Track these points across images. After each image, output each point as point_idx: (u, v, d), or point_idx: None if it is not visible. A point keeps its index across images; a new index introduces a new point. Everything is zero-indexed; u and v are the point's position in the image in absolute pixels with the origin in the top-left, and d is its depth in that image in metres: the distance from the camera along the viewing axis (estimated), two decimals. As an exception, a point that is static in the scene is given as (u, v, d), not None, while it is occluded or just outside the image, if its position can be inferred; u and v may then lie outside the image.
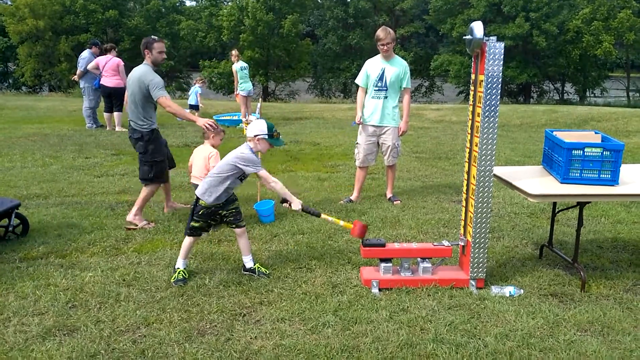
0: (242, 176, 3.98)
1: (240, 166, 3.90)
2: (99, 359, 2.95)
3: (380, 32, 5.86)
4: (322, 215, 4.06)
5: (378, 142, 6.10)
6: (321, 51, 35.21)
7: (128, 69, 11.34)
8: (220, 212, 3.98)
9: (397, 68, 5.91)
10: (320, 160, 8.70)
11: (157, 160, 5.24)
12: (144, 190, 5.27)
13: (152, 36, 5.37)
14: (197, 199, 3.96)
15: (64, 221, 5.25)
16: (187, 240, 4.01)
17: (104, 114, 11.45)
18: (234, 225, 4.03)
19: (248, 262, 4.07)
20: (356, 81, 6.18)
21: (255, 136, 3.94)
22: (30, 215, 5.22)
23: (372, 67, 5.98)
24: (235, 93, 12.77)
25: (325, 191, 6.60)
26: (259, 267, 4.06)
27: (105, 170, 7.53)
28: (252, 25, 28.89)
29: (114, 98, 11.18)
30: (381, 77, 5.90)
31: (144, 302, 3.59)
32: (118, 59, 11.16)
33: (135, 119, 5.15)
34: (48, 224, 5.17)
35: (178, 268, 3.97)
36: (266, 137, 3.95)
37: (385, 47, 5.82)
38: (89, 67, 11.12)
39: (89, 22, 29.98)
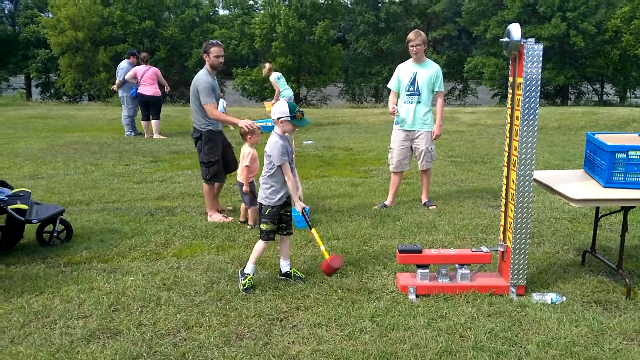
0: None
1: (270, 157, 3.91)
2: (141, 361, 3.02)
3: (411, 34, 5.86)
4: (313, 230, 4.16)
5: (412, 147, 6.06)
6: (352, 56, 35.16)
7: (162, 77, 11.69)
8: (281, 211, 4.00)
9: (428, 71, 5.86)
10: (353, 165, 8.69)
11: (212, 160, 5.56)
12: (204, 192, 5.66)
13: (211, 40, 5.62)
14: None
15: (105, 227, 5.40)
16: (260, 244, 4.02)
17: (142, 122, 11.74)
18: (285, 232, 4.08)
19: (285, 266, 4.10)
20: (388, 85, 6.17)
21: (278, 119, 3.93)
22: (74, 221, 5.39)
23: (404, 71, 5.96)
24: (271, 102, 12.77)
25: (359, 196, 6.59)
26: (295, 271, 4.09)
27: (144, 177, 7.71)
28: (284, 32, 29.11)
29: (151, 106, 11.47)
30: (413, 82, 5.87)
31: (184, 306, 3.65)
32: (155, 68, 11.47)
33: (195, 119, 5.55)
34: (90, 229, 5.33)
35: (248, 274, 3.95)
36: (289, 118, 3.92)
37: (415, 49, 5.80)
38: (127, 77, 11.44)
39: (126, 33, 30.78)
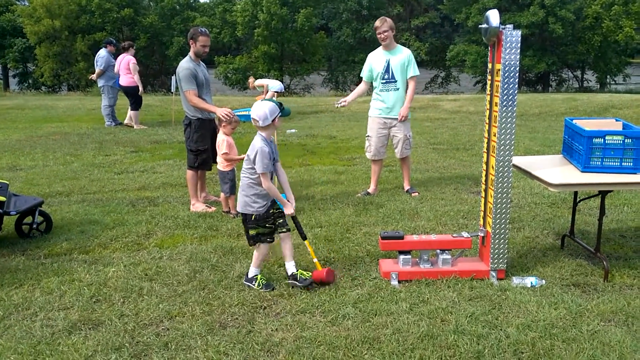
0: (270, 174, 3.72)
1: (255, 161, 3.64)
2: (124, 351, 3.01)
3: (377, 22, 5.85)
4: (306, 241, 3.91)
5: (389, 135, 6.06)
6: (335, 44, 35.05)
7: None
8: (271, 210, 3.76)
9: (401, 57, 5.86)
10: (336, 153, 8.69)
11: (200, 149, 5.53)
12: (188, 180, 5.63)
13: (200, 28, 5.53)
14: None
15: (86, 218, 5.34)
16: (259, 249, 3.78)
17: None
18: (284, 230, 3.79)
19: (291, 267, 3.82)
20: (361, 75, 6.16)
21: (273, 120, 3.70)
22: (54, 213, 5.32)
23: (376, 60, 5.94)
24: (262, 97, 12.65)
25: (342, 184, 6.60)
26: (301, 273, 3.78)
27: (125, 167, 7.62)
28: (267, 20, 28.86)
29: (129, 96, 11.29)
30: (387, 69, 5.86)
31: (167, 296, 3.64)
32: (130, 57, 11.19)
33: (185, 107, 5.53)
34: (71, 220, 5.26)
35: (255, 276, 3.76)
36: (280, 114, 3.74)
37: (383, 35, 5.79)
38: (116, 69, 11.21)
39: (104, 21, 30.22)
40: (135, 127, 11.34)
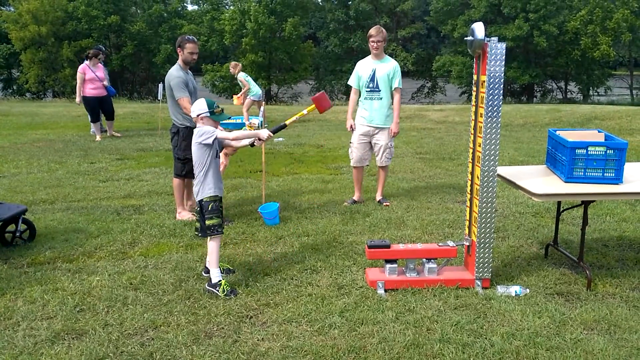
0: (216, 153, 3.93)
1: (202, 142, 3.83)
2: (108, 362, 2.98)
3: (372, 30, 5.91)
4: (287, 121, 4.25)
5: (371, 143, 6.10)
6: (323, 53, 35.28)
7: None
8: (221, 203, 3.95)
9: (387, 67, 5.92)
10: (323, 162, 8.71)
11: (188, 157, 5.43)
12: (174, 188, 5.62)
13: (187, 36, 5.52)
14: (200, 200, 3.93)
15: (70, 226, 5.28)
16: (213, 244, 3.89)
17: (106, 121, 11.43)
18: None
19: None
20: (349, 82, 6.22)
21: (198, 116, 3.89)
22: (37, 221, 5.26)
23: (363, 68, 6.01)
24: (239, 96, 12.66)
25: (329, 193, 6.61)
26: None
27: (110, 175, 7.56)
28: (254, 28, 28.96)
29: (87, 107, 10.96)
30: (372, 78, 5.92)
31: (152, 305, 3.61)
32: (81, 65, 10.83)
33: (172, 115, 5.49)
34: (55, 229, 5.20)
35: (219, 281, 3.80)
36: (208, 114, 3.89)
37: (376, 45, 5.85)
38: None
39: (91, 28, 30.09)
40: (97, 138, 11.00)
